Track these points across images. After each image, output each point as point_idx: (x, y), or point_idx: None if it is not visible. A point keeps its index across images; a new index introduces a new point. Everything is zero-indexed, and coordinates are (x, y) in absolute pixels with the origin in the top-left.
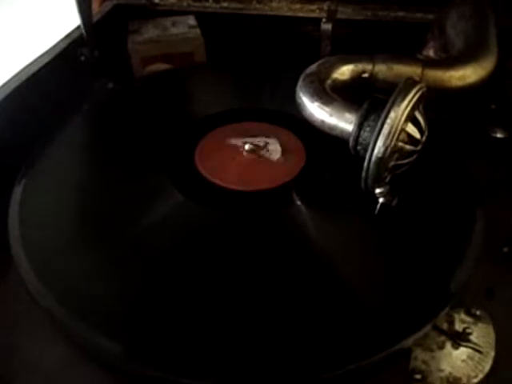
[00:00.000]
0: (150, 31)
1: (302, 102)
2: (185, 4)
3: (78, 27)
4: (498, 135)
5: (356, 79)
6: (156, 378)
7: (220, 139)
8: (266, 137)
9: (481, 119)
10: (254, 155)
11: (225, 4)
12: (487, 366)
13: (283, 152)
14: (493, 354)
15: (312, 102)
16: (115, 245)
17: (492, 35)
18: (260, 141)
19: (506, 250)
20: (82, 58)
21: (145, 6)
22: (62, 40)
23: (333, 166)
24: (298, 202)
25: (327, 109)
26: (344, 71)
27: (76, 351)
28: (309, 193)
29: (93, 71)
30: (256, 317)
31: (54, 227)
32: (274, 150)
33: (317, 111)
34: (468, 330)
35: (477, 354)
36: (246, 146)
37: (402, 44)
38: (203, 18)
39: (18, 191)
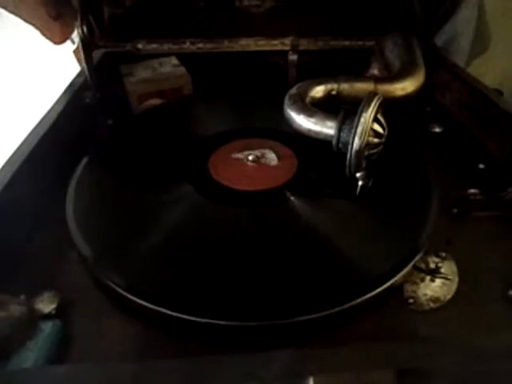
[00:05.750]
0: (143, 72)
1: (291, 116)
2: (165, 47)
3: (78, 75)
4: (436, 130)
5: (327, 96)
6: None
7: (225, 154)
8: (262, 149)
9: (421, 119)
10: (256, 164)
11: (200, 45)
12: (454, 287)
13: (279, 159)
14: (457, 279)
15: (298, 115)
16: (156, 234)
17: (419, 56)
18: (258, 152)
19: (455, 210)
20: (87, 101)
21: (129, 51)
22: (68, 88)
23: (320, 165)
24: (292, 197)
25: (312, 119)
26: (318, 90)
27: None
28: (302, 187)
29: (96, 111)
30: (272, 270)
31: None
32: (271, 158)
33: (304, 122)
34: (439, 265)
35: (447, 281)
36: (250, 157)
37: (352, 66)
38: (184, 58)
39: (69, 205)
